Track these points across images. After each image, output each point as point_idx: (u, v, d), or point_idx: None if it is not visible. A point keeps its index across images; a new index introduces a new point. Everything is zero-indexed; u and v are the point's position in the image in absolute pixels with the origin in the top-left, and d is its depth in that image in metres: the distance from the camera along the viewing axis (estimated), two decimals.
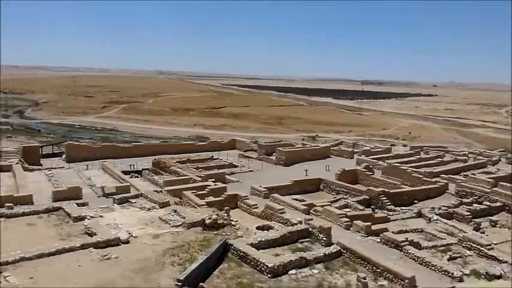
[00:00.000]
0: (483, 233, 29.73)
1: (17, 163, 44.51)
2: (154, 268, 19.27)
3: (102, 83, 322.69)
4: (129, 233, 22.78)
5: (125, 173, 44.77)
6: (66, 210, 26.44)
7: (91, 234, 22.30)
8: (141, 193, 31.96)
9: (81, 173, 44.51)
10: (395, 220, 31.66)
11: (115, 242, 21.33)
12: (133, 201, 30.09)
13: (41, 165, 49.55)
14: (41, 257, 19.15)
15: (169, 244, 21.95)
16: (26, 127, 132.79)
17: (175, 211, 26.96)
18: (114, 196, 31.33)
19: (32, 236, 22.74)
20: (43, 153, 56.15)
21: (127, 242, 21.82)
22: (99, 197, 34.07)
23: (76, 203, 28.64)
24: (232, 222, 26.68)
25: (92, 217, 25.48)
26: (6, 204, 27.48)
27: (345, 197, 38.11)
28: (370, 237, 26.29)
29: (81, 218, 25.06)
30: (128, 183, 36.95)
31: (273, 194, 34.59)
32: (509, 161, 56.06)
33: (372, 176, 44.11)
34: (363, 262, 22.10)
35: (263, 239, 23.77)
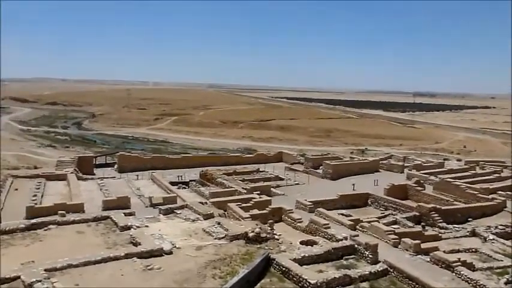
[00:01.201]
0: None
1: (71, 172, 46.38)
2: (196, 280, 19.27)
3: (154, 95, 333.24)
4: (173, 244, 22.98)
5: (173, 184, 45.61)
6: (114, 219, 27.11)
7: (135, 244, 22.68)
8: (186, 204, 32.31)
9: (131, 183, 45.78)
10: (447, 239, 30.14)
11: (158, 253, 21.55)
12: (178, 212, 30.43)
13: (94, 174, 51.58)
14: (87, 264, 19.66)
15: (211, 256, 21.92)
16: (83, 138, 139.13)
17: (218, 223, 26.98)
18: (160, 206, 31.86)
19: (80, 244, 23.45)
20: (97, 163, 58.50)
21: (170, 252, 22.00)
22: (146, 207, 34.82)
23: (123, 213, 29.31)
24: (276, 236, 26.35)
25: (137, 227, 25.98)
26: (59, 212, 28.58)
27: (393, 213, 36.79)
28: (420, 256, 25.09)
29: (128, 228, 25.60)
30: (175, 194, 37.58)
31: (318, 209, 33.94)
32: None
33: (423, 191, 42.34)
34: (410, 282, 21.18)
35: (306, 255, 23.31)
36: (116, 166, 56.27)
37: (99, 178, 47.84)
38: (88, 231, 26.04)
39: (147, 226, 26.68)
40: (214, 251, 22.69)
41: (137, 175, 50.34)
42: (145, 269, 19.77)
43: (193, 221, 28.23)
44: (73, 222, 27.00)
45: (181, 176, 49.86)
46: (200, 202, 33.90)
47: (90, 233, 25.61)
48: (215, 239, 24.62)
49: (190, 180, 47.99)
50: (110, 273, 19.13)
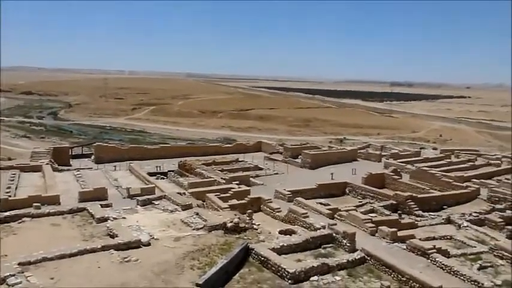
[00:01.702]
0: None
1: (47, 164, 45.46)
2: (174, 271, 19.16)
3: (132, 85, 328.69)
4: (151, 235, 22.80)
5: (151, 174, 45.21)
6: (90, 211, 26.74)
7: (113, 236, 22.41)
8: (165, 195, 32.07)
9: (108, 174, 45.20)
10: (423, 226, 30.67)
11: (136, 244, 21.35)
12: (156, 203, 30.19)
13: (71, 165, 50.68)
14: (62, 257, 19.32)
15: (190, 247, 21.84)
16: (59, 128, 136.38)
17: (197, 214, 26.86)
18: (138, 198, 31.53)
19: (56, 237, 23.04)
20: (73, 154, 57.46)
21: (148, 244, 21.82)
22: (124, 198, 34.45)
23: (100, 204, 28.93)
24: (255, 226, 26.40)
25: (114, 218, 25.66)
26: (34, 204, 28.00)
27: (371, 201, 37.25)
28: (396, 243, 25.52)
29: (104, 219, 25.27)
30: (153, 185, 37.21)
31: (297, 198, 34.11)
32: None
33: (400, 180, 43.01)
34: (387, 270, 21.45)
35: (285, 244, 23.39)
36: (92, 157, 55.42)
37: (75, 169, 47.08)
38: (64, 223, 25.60)
39: (124, 218, 26.38)
40: (192, 242, 22.60)
41: (115, 166, 49.70)
42: (123, 261, 19.55)
43: (172, 211, 28.06)
44: (48, 214, 26.50)
45: (159, 167, 49.43)
46: (178, 193, 33.69)
47: (65, 226, 25.18)
48: (193, 229, 24.52)
49: (169, 171, 47.66)
50: (86, 266, 18.86)
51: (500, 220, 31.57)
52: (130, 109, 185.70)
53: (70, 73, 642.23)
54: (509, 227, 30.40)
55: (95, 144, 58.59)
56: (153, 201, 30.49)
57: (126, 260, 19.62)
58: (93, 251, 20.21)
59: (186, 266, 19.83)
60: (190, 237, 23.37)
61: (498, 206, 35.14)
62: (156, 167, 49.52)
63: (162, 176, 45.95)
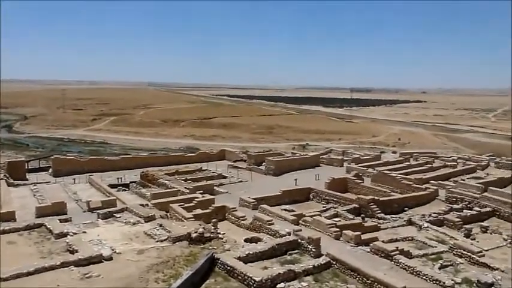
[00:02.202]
0: (474, 239, 29.52)
1: (1, 179, 43.57)
2: (138, 285, 18.61)
3: (91, 95, 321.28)
4: (113, 249, 22.08)
5: (112, 186, 44.15)
6: (48, 226, 25.65)
7: (72, 252, 21.55)
8: (126, 207, 31.27)
9: (67, 188, 43.80)
10: (385, 229, 31.36)
11: (97, 259, 20.59)
12: (118, 215, 29.37)
13: (27, 180, 48.73)
14: (18, 276, 18.36)
15: (153, 260, 21.30)
16: (15, 141, 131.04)
17: (160, 225, 26.31)
18: (99, 211, 30.60)
19: (11, 255, 21.82)
20: (29, 167, 55.31)
21: (110, 258, 21.10)
22: (84, 212, 33.39)
23: (59, 219, 27.84)
24: (220, 235, 26.08)
25: (74, 233, 24.72)
26: None
27: (334, 206, 37.71)
28: (360, 247, 25.88)
29: (64, 235, 24.30)
30: (114, 197, 36.27)
31: (261, 205, 34.09)
32: (498, 166, 56.10)
33: (362, 184, 43.83)
34: (352, 273, 21.64)
35: (251, 252, 23.22)
36: (50, 170, 53.52)
37: (32, 184, 45.36)
38: (20, 240, 24.42)
39: (84, 232, 25.47)
40: (156, 254, 22.07)
41: (74, 179, 48.20)
42: (84, 277, 18.81)
43: (134, 224, 27.35)
44: (3, 232, 25.18)
45: (121, 178, 48.33)
46: (141, 204, 32.96)
47: (22, 243, 24.02)
48: (157, 241, 23.96)
49: (131, 182, 46.64)
50: (44, 285, 18.02)
51: (458, 220, 32.68)
52: (90, 120, 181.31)
53: (26, 84, 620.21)
54: (467, 226, 31.49)
55: (52, 157, 56.63)
56: (114, 214, 29.64)
57: (87, 276, 18.88)
58: (51, 268, 19.32)
59: (150, 279, 19.31)
60: (154, 249, 22.81)
61: (455, 206, 36.39)
62: (118, 178, 48.39)
63: (123, 188, 44.93)
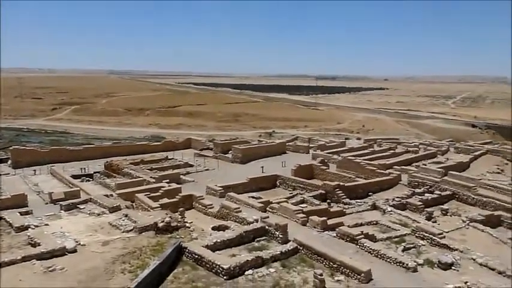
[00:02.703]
0: (435, 222, 30.53)
1: None
2: (103, 277, 18.30)
3: (51, 84, 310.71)
4: (77, 242, 21.56)
5: (75, 177, 43.10)
6: (8, 219, 24.79)
7: (34, 245, 20.90)
8: (90, 198, 30.55)
9: (27, 179, 42.41)
10: (351, 213, 31.95)
11: (60, 252, 20.06)
12: (81, 207, 28.68)
13: None
14: None
15: (119, 251, 20.95)
16: None
17: (126, 215, 25.87)
18: (61, 202, 29.77)
19: None
20: None
21: (74, 251, 20.60)
22: (46, 204, 32.41)
23: (19, 212, 26.94)
24: (187, 224, 25.96)
25: (36, 226, 23.99)
26: None
27: (301, 192, 38.12)
28: (327, 232, 26.28)
29: (24, 228, 23.54)
30: (78, 188, 35.42)
31: (229, 193, 34.02)
32: (457, 151, 58.06)
33: (327, 170, 44.42)
34: (319, 258, 22.01)
35: (219, 240, 23.23)
36: (9, 162, 51.60)
37: None
38: None
39: (47, 224, 24.76)
40: (122, 245, 21.72)
41: (34, 170, 46.69)
42: (47, 271, 18.31)
43: (99, 215, 26.79)
44: None
45: (84, 169, 47.17)
46: (105, 195, 32.30)
47: None
48: (123, 232, 23.58)
49: (95, 172, 45.60)
50: (5, 280, 17.41)
51: (420, 203, 33.71)
52: (50, 109, 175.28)
53: None
54: (428, 209, 32.50)
55: (11, 148, 54.65)
56: (78, 206, 28.93)
57: (50, 269, 18.38)
58: (12, 263, 18.69)
59: (116, 270, 19.02)
60: (120, 240, 22.44)
61: (418, 190, 37.45)
62: (81, 169, 47.20)
63: (87, 178, 43.88)
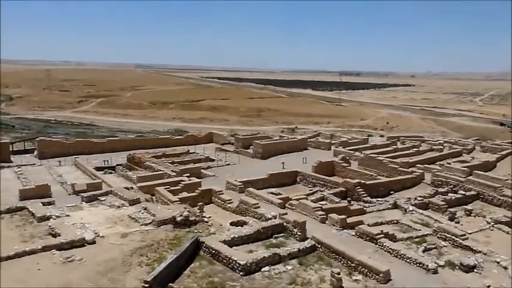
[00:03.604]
0: (458, 222, 29.77)
1: None
2: (121, 269, 18.52)
3: (78, 76, 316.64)
4: (96, 233, 21.89)
5: (98, 169, 43.78)
6: (31, 209, 25.37)
7: (55, 235, 21.32)
8: (111, 190, 30.99)
9: (52, 170, 43.31)
10: (371, 212, 31.44)
11: (80, 243, 20.40)
12: (102, 198, 29.12)
13: (12, 162, 48.04)
14: None
15: (137, 243, 21.17)
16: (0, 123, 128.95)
17: (145, 208, 26.11)
18: (83, 194, 30.28)
19: None
20: (14, 149, 54.53)
21: (93, 242, 20.93)
22: (69, 194, 33.09)
23: (42, 202, 27.53)
24: (205, 219, 26.03)
25: (57, 217, 24.47)
26: None
27: (321, 189, 37.77)
28: (346, 230, 25.95)
29: (46, 218, 24.03)
30: (100, 180, 35.98)
31: (248, 189, 33.98)
32: (483, 149, 56.60)
33: (349, 167, 43.87)
34: (337, 256, 21.72)
35: (236, 236, 23.19)
36: (36, 152, 52.84)
37: (16, 166, 44.76)
38: (1, 224, 24.10)
39: (68, 215, 25.23)
40: (140, 238, 21.93)
41: (59, 161, 47.69)
42: (66, 261, 18.64)
43: (119, 207, 27.14)
44: None
45: (107, 161, 47.88)
46: (126, 187, 32.68)
47: (3, 227, 23.72)
48: (141, 225, 23.81)
49: (117, 165, 46.22)
50: (24, 269, 17.82)
51: (443, 203, 32.94)
52: (77, 102, 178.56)
53: (8, 64, 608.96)
54: (451, 210, 31.75)
55: (38, 139, 55.83)
56: (99, 197, 29.38)
57: (69, 260, 18.71)
58: (32, 252, 19.12)
59: (133, 263, 19.22)
60: (138, 233, 22.66)
61: (441, 190, 36.63)
62: (104, 161, 47.93)
63: (110, 171, 44.54)
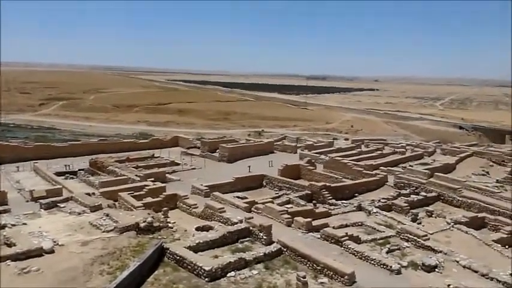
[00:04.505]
0: (420, 223, 30.45)
1: None
2: (81, 279, 17.84)
3: (39, 79, 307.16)
4: (55, 242, 20.98)
5: (59, 174, 42.45)
6: None
7: (10, 245, 20.29)
8: (72, 196, 29.97)
9: (9, 176, 41.67)
10: (336, 214, 31.75)
11: (37, 253, 19.48)
12: (62, 205, 28.08)
13: None
14: None
15: (99, 251, 20.46)
16: None
17: (107, 215, 25.34)
18: (42, 200, 29.15)
19: None
20: None
21: (51, 251, 20.04)
22: (27, 201, 31.84)
23: None
24: (170, 224, 25.53)
25: (13, 225, 23.36)
26: None
27: (287, 192, 37.86)
28: (311, 233, 26.01)
29: (1, 227, 22.90)
30: (60, 186, 34.82)
31: (214, 193, 33.65)
32: (443, 152, 58.29)
33: (314, 170, 44.22)
34: (303, 260, 21.73)
35: (201, 241, 22.85)
36: None
37: None
38: None
39: (25, 224, 24.13)
40: (102, 246, 21.22)
41: (17, 166, 45.85)
42: (21, 272, 17.75)
43: (79, 214, 26.23)
44: None
45: (68, 166, 46.40)
46: (88, 193, 31.68)
47: None
48: (103, 232, 23.06)
49: (79, 170, 44.82)
50: None
51: (406, 205, 33.65)
52: (38, 104, 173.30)
53: None
54: (413, 211, 32.46)
55: None
56: (58, 204, 28.33)
57: (25, 271, 17.82)
58: None
59: (94, 272, 18.56)
60: (100, 240, 21.93)
61: (403, 192, 37.41)
62: (65, 166, 46.43)
63: (71, 176, 43.18)
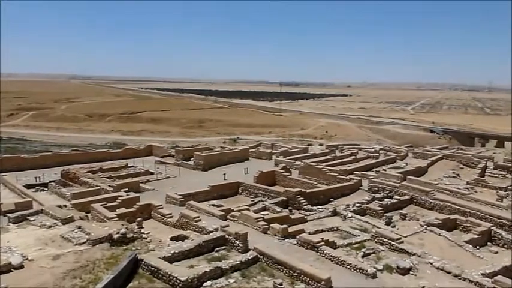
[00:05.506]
0: (394, 226, 30.83)
1: None
2: None
3: (7, 88, 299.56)
4: (24, 256, 20.32)
5: (29, 186, 41.28)
6: None
7: None
8: (42, 209, 29.10)
9: None
10: (312, 220, 31.85)
11: (5, 269, 18.81)
12: (32, 218, 27.21)
13: None
14: None
15: (70, 265, 19.93)
16: None
17: (79, 227, 24.74)
18: (10, 214, 28.22)
19: None
20: None
21: (20, 266, 19.39)
22: None
23: None
24: (144, 235, 25.11)
25: None
26: None
27: (263, 199, 37.80)
28: (287, 239, 26.00)
29: None
30: (30, 199, 33.76)
31: (189, 201, 33.32)
32: (415, 156, 59.38)
33: (289, 176, 44.35)
34: (280, 267, 21.68)
35: (177, 251, 22.53)
36: None
37: None
38: None
39: None
40: (74, 259, 20.68)
41: None
42: None
43: (50, 227, 25.50)
44: None
45: (39, 177, 45.21)
46: (59, 205, 30.85)
47: None
48: (75, 245, 22.48)
49: (50, 182, 43.69)
50: None
51: (380, 208, 34.09)
52: (7, 115, 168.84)
53: None
54: (388, 214, 32.90)
55: None
56: (28, 217, 27.43)
57: None
58: None
59: (66, 286, 18.06)
60: (72, 253, 21.37)
61: (377, 196, 37.90)
62: (36, 177, 45.21)
63: (42, 188, 42.06)
